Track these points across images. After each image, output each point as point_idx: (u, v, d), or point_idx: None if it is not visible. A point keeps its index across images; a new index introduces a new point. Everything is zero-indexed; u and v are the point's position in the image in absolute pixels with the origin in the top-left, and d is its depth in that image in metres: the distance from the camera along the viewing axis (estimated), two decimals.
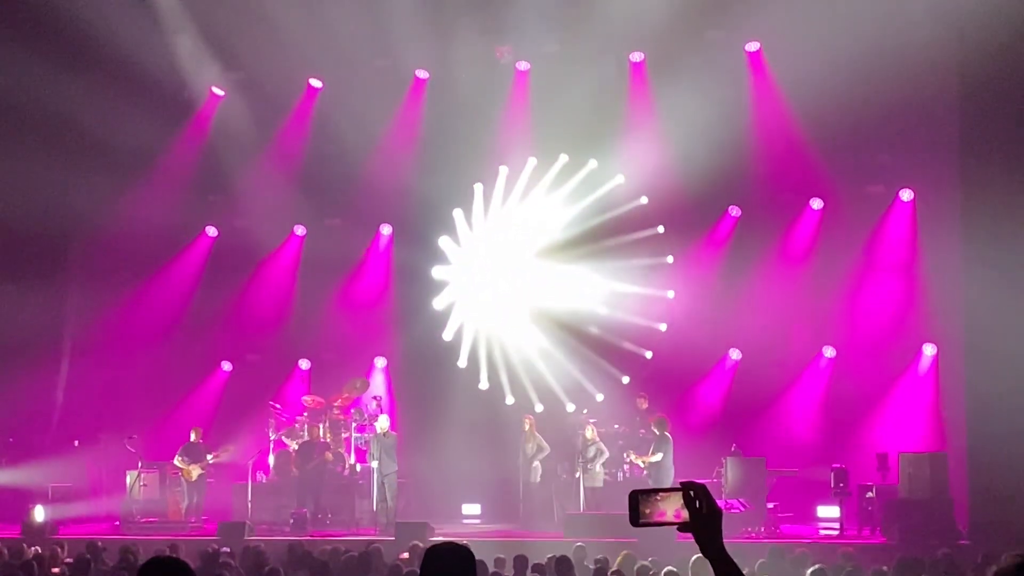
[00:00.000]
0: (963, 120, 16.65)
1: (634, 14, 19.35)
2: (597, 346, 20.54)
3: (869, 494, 17.09)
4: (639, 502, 3.25)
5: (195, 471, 18.59)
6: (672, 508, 3.24)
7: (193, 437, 18.90)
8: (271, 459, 19.88)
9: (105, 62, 19.17)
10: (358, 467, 19.62)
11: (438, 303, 21.31)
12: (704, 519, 3.21)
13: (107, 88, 19.17)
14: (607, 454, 18.54)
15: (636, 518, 3.25)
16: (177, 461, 18.69)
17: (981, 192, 16.41)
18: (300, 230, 22.01)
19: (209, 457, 18.68)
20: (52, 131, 19.87)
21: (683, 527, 3.23)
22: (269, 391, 20.85)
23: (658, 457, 17.39)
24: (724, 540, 3.29)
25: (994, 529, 14.95)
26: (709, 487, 3.36)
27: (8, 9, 19.54)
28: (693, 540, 3.30)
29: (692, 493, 3.22)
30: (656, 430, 17.67)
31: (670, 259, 20.62)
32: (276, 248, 21.94)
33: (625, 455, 18.76)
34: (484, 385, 20.87)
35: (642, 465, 17.91)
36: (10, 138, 19.71)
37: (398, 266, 21.72)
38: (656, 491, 3.27)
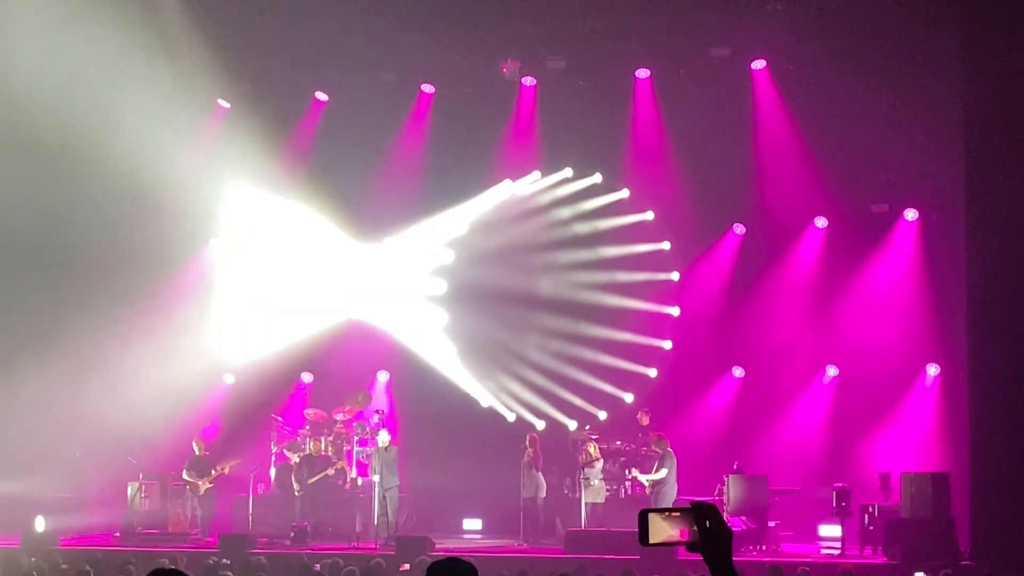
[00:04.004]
0: (968, 139, 16.63)
1: (640, 31, 19.43)
2: (600, 365, 20.49)
3: (871, 513, 17.03)
4: (649, 521, 3.24)
5: (203, 485, 18.55)
6: (681, 527, 3.22)
7: (197, 450, 18.88)
8: (272, 472, 19.86)
9: (111, 73, 19.21)
10: (359, 481, 19.59)
11: (441, 317, 21.31)
12: (714, 538, 3.20)
13: (115, 100, 19.20)
14: (600, 471, 18.38)
15: (645, 537, 3.24)
16: (185, 475, 18.67)
17: (985, 211, 16.39)
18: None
19: (214, 471, 18.65)
20: (55, 143, 19.89)
21: (691, 546, 3.21)
22: (272, 404, 20.84)
23: (662, 474, 17.34)
24: None
25: (996, 550, 14.89)
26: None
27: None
28: (695, 558, 3.29)
29: (702, 512, 3.21)
30: (657, 448, 17.63)
31: (675, 276, 20.63)
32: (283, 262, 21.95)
33: (627, 472, 18.72)
34: (486, 402, 20.85)
35: (645, 483, 17.86)
36: (13, 147, 19.72)
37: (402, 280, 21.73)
38: (666, 510, 3.26)
